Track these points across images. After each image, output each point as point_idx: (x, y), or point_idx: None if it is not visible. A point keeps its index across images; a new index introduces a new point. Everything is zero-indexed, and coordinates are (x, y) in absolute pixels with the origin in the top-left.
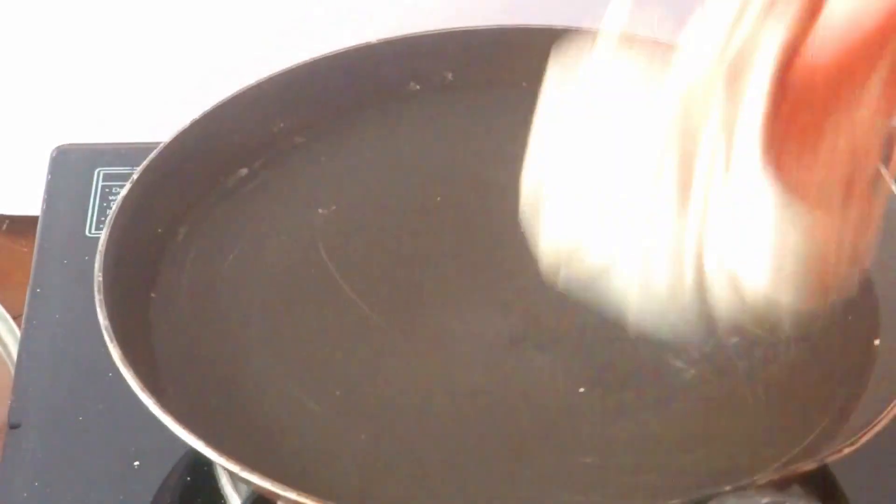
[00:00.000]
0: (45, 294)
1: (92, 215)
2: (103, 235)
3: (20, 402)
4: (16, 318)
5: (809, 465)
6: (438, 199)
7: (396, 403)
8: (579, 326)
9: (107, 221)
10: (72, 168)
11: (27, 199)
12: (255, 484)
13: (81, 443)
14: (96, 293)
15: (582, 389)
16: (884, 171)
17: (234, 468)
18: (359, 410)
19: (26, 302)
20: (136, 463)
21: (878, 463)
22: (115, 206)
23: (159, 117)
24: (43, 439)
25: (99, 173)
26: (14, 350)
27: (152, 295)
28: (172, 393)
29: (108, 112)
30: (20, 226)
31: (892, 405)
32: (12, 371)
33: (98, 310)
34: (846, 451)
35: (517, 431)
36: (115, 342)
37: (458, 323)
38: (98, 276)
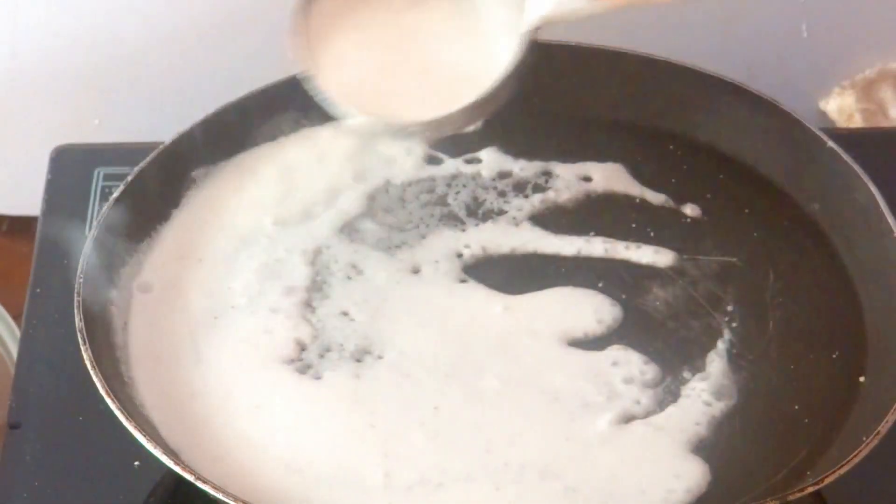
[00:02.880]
0: (45, 294)
1: (92, 215)
2: (90, 236)
3: (20, 402)
4: (16, 318)
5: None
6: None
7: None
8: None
9: (95, 223)
10: (72, 168)
11: (27, 199)
12: (211, 494)
13: (81, 443)
14: (76, 295)
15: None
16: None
17: (189, 476)
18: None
19: (26, 302)
20: (136, 463)
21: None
22: (104, 208)
23: (159, 117)
24: (43, 439)
25: (99, 173)
26: (14, 350)
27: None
28: (144, 396)
29: (108, 112)
30: (20, 226)
31: (860, 449)
32: (12, 371)
33: (76, 311)
34: (809, 489)
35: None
36: (87, 344)
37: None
38: (80, 277)
